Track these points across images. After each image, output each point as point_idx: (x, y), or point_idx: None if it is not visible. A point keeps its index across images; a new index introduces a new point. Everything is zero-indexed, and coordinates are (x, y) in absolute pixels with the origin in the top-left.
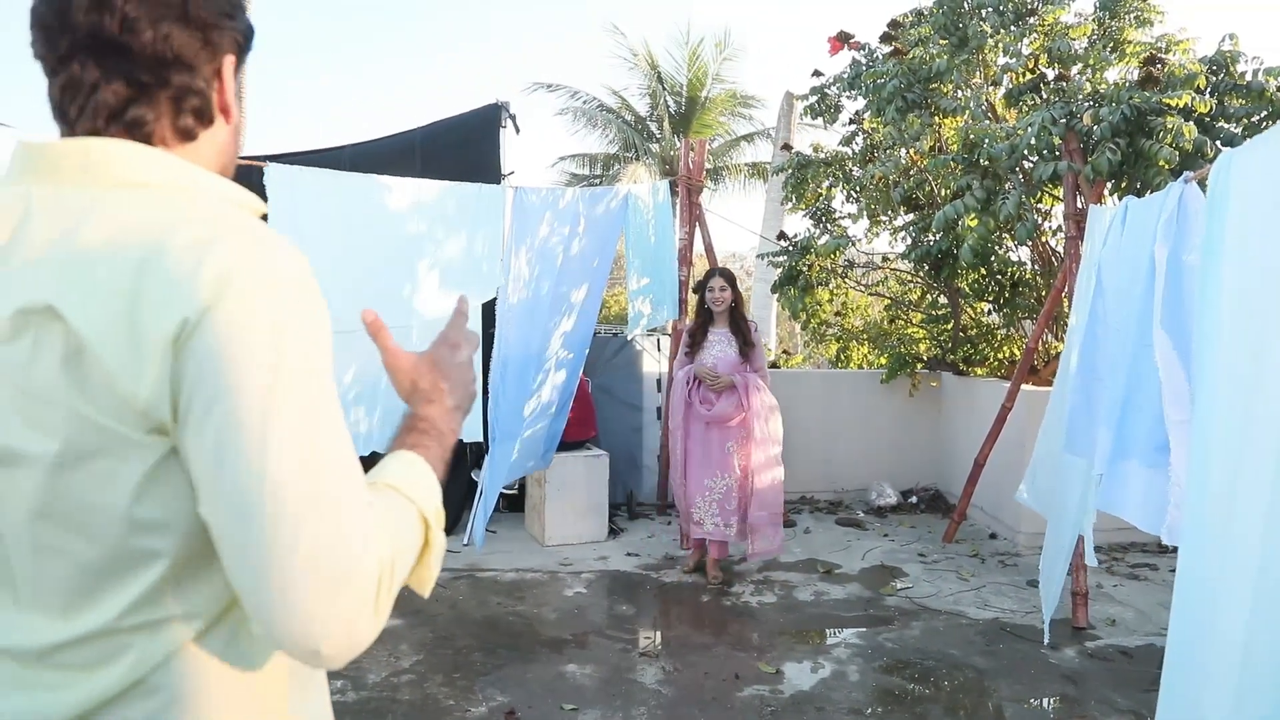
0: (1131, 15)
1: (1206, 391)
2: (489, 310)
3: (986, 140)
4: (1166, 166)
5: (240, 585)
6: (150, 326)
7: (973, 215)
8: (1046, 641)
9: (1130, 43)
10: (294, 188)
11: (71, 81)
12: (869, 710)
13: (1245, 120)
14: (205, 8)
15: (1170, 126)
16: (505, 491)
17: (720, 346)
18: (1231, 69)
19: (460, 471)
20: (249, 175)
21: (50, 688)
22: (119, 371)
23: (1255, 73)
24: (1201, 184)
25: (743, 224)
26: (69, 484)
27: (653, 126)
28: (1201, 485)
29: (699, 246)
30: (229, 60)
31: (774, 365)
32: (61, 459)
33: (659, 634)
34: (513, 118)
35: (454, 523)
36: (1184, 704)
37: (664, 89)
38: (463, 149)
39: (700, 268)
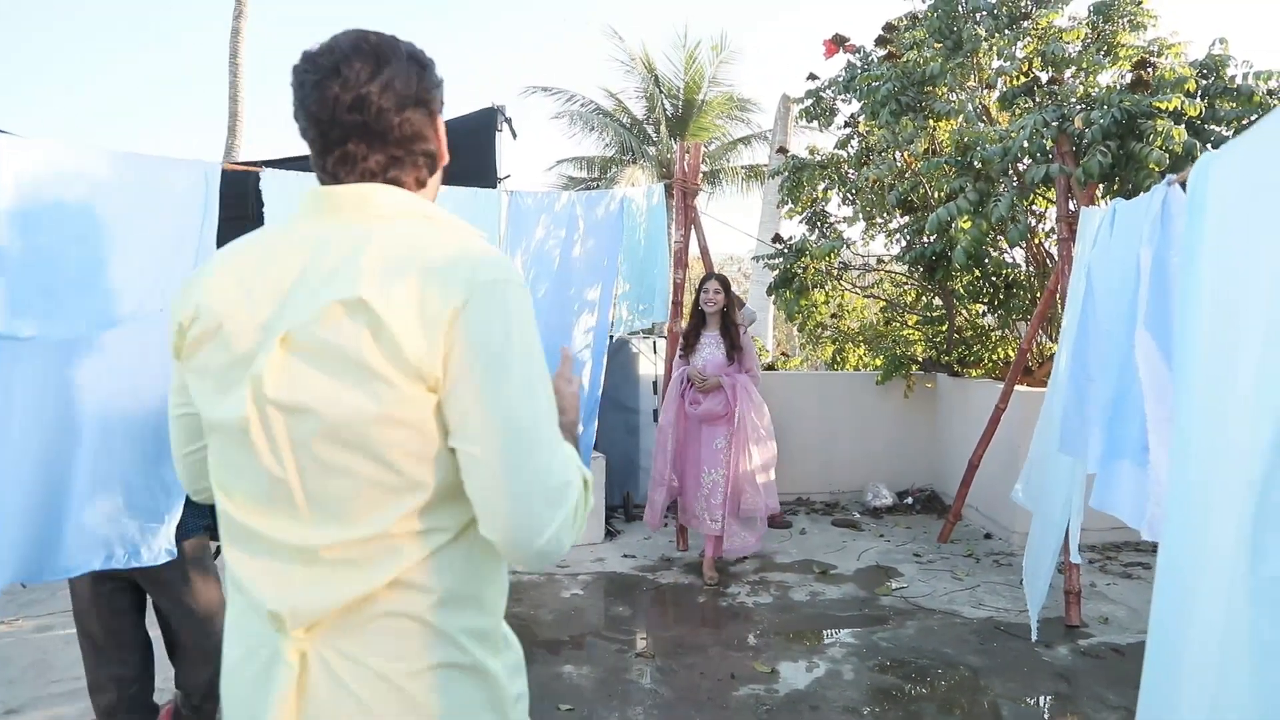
0: (1125, 19)
1: (1185, 390)
2: None
3: (980, 143)
4: (1157, 169)
5: (484, 498)
6: (432, 310)
7: (966, 217)
8: (1035, 639)
9: (1123, 46)
10: (290, 193)
11: (345, 156)
12: (863, 709)
13: (1236, 123)
14: (426, 89)
15: (1160, 129)
16: None
17: (710, 349)
18: (1222, 72)
19: None
20: (245, 181)
21: (330, 579)
22: (408, 341)
23: (1245, 76)
24: (1185, 186)
25: (738, 227)
26: (366, 423)
27: (650, 130)
28: (1180, 482)
29: (694, 249)
30: (439, 119)
31: (770, 367)
32: (362, 406)
33: (655, 635)
34: (509, 121)
35: None
36: (1163, 700)
37: (661, 92)
38: (458, 153)
39: (696, 270)
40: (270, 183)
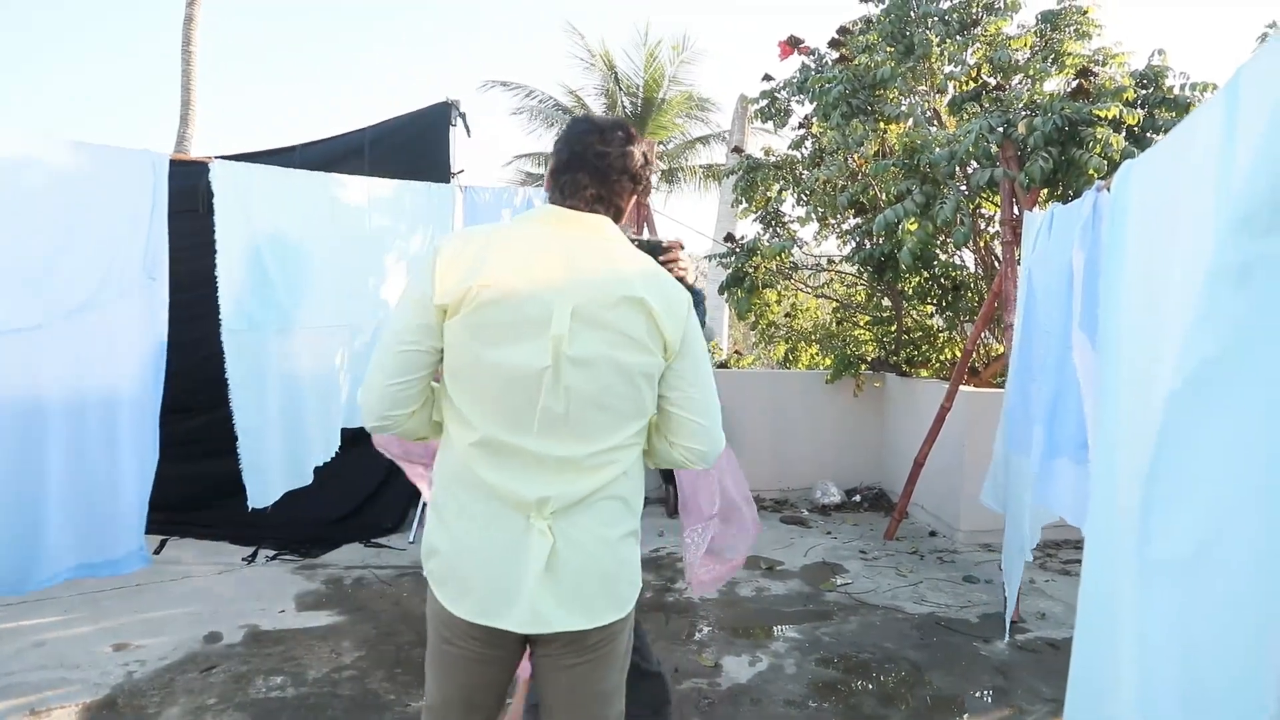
0: (1071, 28)
1: (1108, 386)
2: None
3: (927, 146)
4: (1096, 175)
5: (696, 419)
6: (676, 309)
7: (913, 219)
8: (1005, 640)
9: (1069, 55)
10: (242, 186)
11: (575, 181)
12: (804, 702)
13: None
14: (640, 173)
15: (1100, 137)
16: None
17: None
18: (1161, 83)
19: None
20: (195, 174)
21: (580, 478)
22: (667, 328)
23: (1183, 87)
24: None
25: (692, 225)
26: (634, 378)
27: None
28: (1102, 476)
29: None
30: (633, 198)
31: (723, 365)
32: (635, 367)
33: None
34: (462, 116)
35: (399, 520)
36: (1090, 693)
37: (621, 90)
38: (412, 148)
39: None
40: (220, 173)
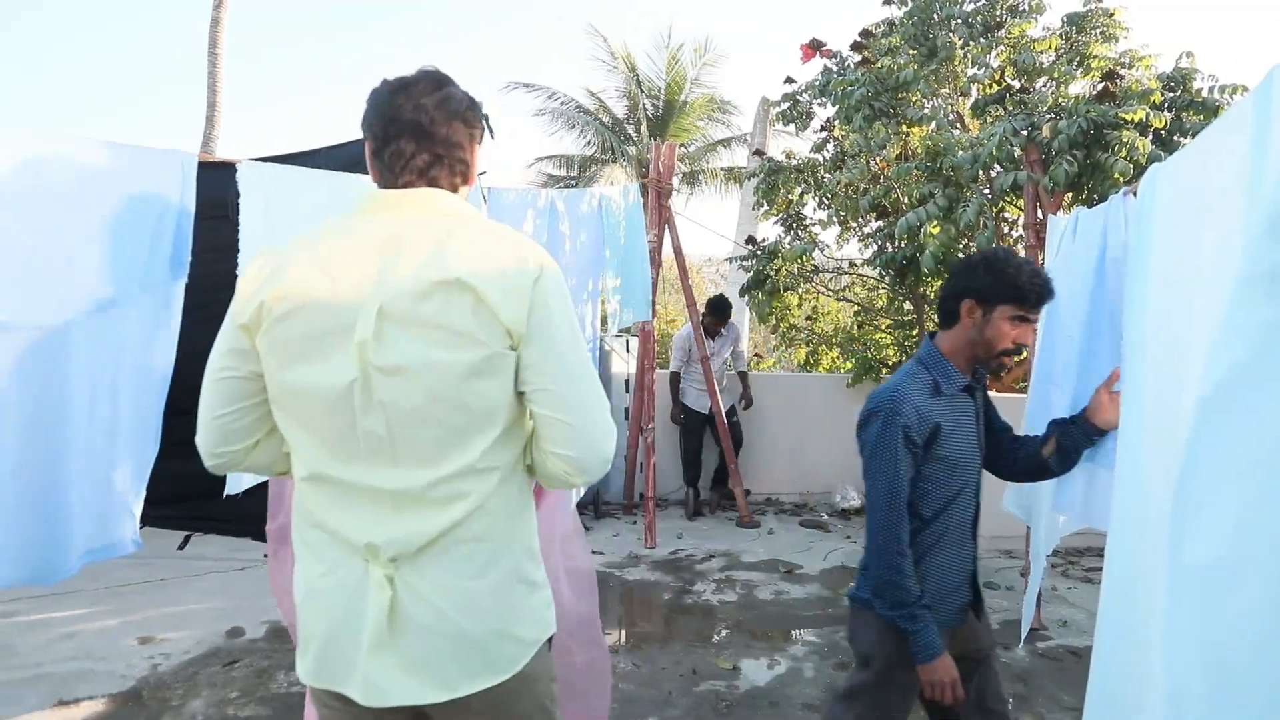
0: (1098, 30)
1: (1134, 394)
2: None
3: (950, 149)
4: (1121, 179)
5: (557, 419)
6: (518, 281)
7: (935, 223)
8: (1023, 645)
9: (1095, 57)
10: (267, 185)
11: (398, 152)
12: (823, 706)
13: None
14: (470, 116)
15: (1125, 140)
16: None
17: None
18: (1188, 85)
19: None
20: (224, 179)
21: (423, 515)
22: (503, 309)
23: (1211, 89)
24: None
25: (712, 228)
26: (467, 381)
27: (630, 129)
28: (1129, 485)
29: (667, 249)
30: (475, 147)
31: None
32: (463, 366)
33: (621, 630)
34: (486, 118)
35: None
36: (1111, 702)
37: (642, 92)
38: None
39: (669, 270)
40: (247, 174)
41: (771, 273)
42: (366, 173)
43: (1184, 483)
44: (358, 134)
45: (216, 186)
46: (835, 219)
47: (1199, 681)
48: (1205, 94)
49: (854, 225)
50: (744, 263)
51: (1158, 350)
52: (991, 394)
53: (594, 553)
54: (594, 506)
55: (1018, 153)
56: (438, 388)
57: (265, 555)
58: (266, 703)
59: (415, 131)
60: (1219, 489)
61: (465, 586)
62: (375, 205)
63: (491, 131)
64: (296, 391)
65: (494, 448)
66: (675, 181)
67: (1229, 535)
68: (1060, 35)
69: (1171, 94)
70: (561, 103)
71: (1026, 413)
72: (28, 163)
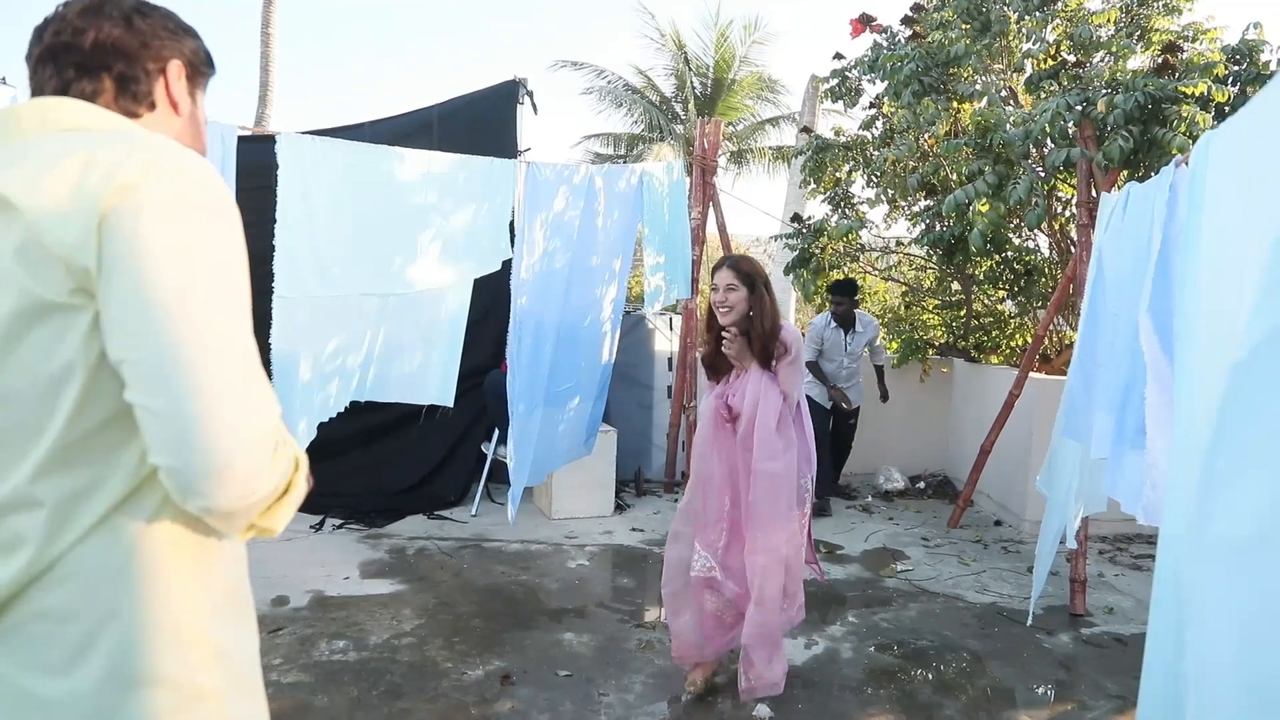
0: (1160, 3)
1: (1184, 372)
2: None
3: (1000, 125)
4: (1179, 155)
5: (140, 403)
6: (87, 194)
7: (984, 200)
8: (1029, 624)
9: (1156, 31)
10: (305, 158)
11: (38, 81)
12: (860, 687)
13: None
14: (147, 22)
15: (1185, 115)
16: (502, 460)
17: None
18: (1255, 58)
19: (469, 443)
20: (268, 150)
21: None
22: (62, 236)
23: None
24: None
25: (758, 206)
26: (18, 351)
27: (678, 108)
28: (1175, 461)
29: (712, 227)
30: (174, 65)
31: None
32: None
33: (657, 607)
34: (530, 94)
35: (462, 494)
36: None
37: (690, 70)
38: (479, 125)
39: (714, 248)
40: (285, 146)
41: (816, 251)
42: (409, 146)
43: (1214, 450)
44: (401, 108)
45: (260, 153)
46: (883, 197)
47: (1230, 660)
48: (1274, 66)
49: (902, 204)
50: (789, 241)
51: (1208, 322)
52: (1041, 375)
53: (633, 530)
54: (635, 484)
55: (1071, 128)
56: None
57: (311, 527)
58: (309, 670)
59: (54, 53)
60: (1251, 458)
61: (35, 690)
62: None
63: (535, 107)
64: None
65: (69, 465)
66: (722, 160)
67: (1261, 506)
68: (1120, 8)
69: (1237, 67)
70: (609, 81)
71: (1068, 392)
72: None
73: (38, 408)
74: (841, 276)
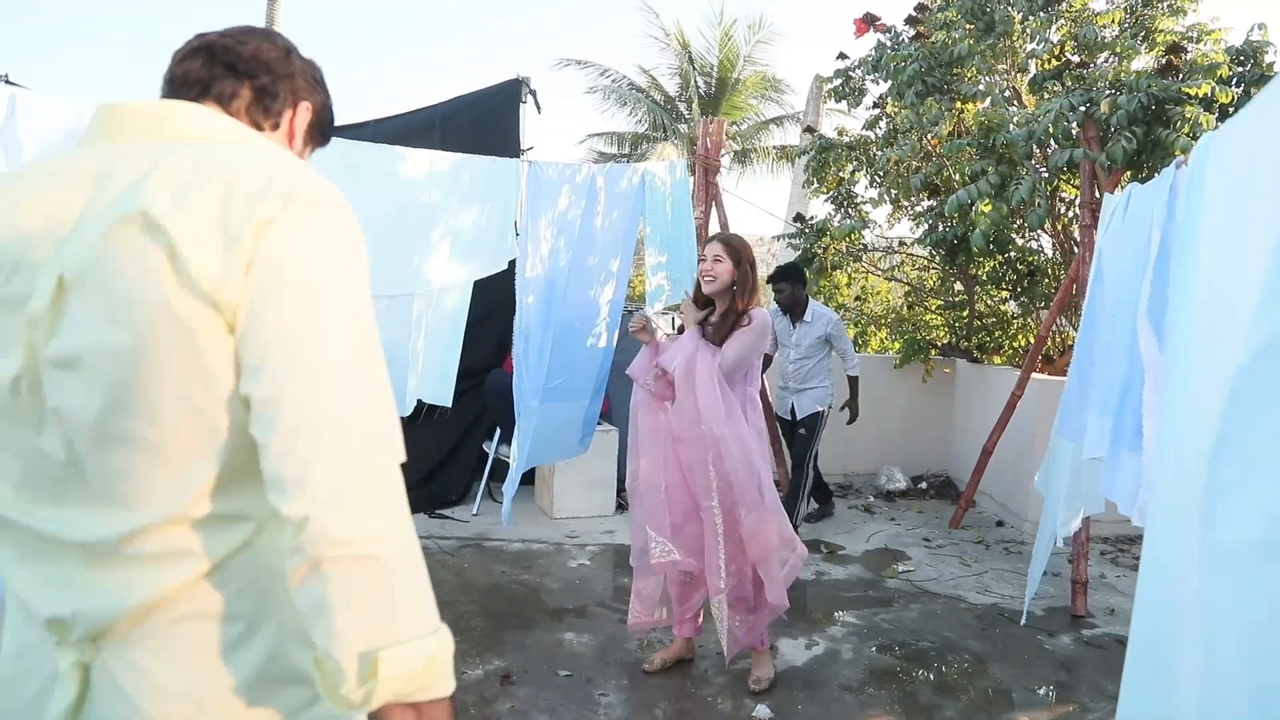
0: (1165, 4)
1: (1178, 372)
2: (504, 279)
3: (1003, 126)
4: (1181, 156)
5: (264, 439)
6: (234, 224)
7: (986, 201)
8: (1024, 623)
9: (1160, 31)
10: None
11: (183, 69)
12: (860, 688)
13: None
14: (302, 62)
15: (1189, 116)
16: (503, 460)
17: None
18: (1259, 59)
19: (471, 443)
20: None
21: (121, 579)
22: (207, 260)
23: None
24: None
25: (761, 206)
26: (146, 371)
27: (682, 107)
28: (1167, 463)
29: (714, 226)
30: (306, 105)
31: None
32: (142, 346)
33: (661, 608)
34: (533, 93)
35: (463, 493)
36: (1147, 688)
37: (694, 69)
38: (482, 124)
39: None
40: None
41: (819, 251)
42: (412, 145)
43: (1218, 457)
44: (404, 108)
45: None
46: (886, 197)
47: (1236, 667)
48: (1278, 68)
49: (905, 204)
50: (792, 241)
51: (1202, 324)
52: (1043, 376)
53: None
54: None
55: (1075, 129)
56: (127, 391)
57: None
58: None
59: (198, 55)
60: (1256, 463)
61: (175, 685)
62: (99, 126)
63: (539, 106)
64: None
65: (234, 481)
66: (726, 160)
67: (1267, 511)
68: (1124, 9)
69: (1241, 68)
70: (613, 80)
71: (1065, 391)
72: (75, 133)
73: (203, 433)
74: (845, 278)
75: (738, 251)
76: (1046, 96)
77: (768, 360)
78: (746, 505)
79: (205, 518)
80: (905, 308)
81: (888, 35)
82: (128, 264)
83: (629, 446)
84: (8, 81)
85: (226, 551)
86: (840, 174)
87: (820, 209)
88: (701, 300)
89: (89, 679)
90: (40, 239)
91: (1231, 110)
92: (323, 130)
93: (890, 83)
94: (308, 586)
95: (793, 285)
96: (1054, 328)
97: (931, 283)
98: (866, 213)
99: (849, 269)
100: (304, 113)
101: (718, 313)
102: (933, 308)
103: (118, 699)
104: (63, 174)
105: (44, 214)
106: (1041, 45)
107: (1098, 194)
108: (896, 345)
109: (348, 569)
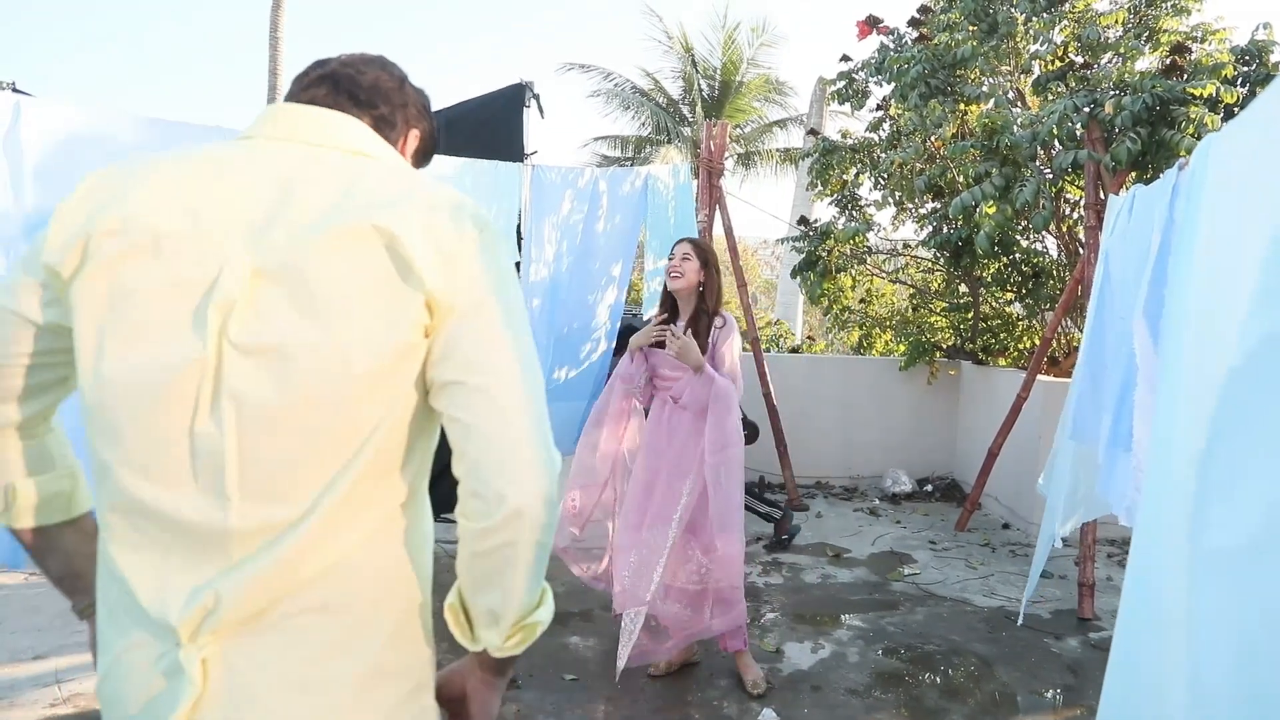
0: (1168, 4)
1: (1171, 374)
2: None
3: (1007, 128)
4: (1184, 157)
5: (491, 438)
6: (448, 242)
7: (990, 203)
8: (1020, 624)
9: (1165, 31)
10: None
11: (310, 95)
12: (866, 691)
13: None
14: (414, 91)
15: (1194, 116)
16: None
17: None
18: (1265, 59)
19: None
20: None
21: (251, 568)
22: (432, 269)
23: None
24: None
25: (765, 209)
26: (347, 368)
27: (685, 110)
28: (1157, 466)
29: (719, 229)
30: (416, 133)
31: (794, 350)
32: (352, 346)
33: None
34: (536, 97)
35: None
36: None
37: (698, 72)
38: (486, 130)
39: (720, 251)
40: None
41: (823, 254)
42: None
43: (1208, 458)
44: None
45: None
46: (890, 199)
47: (1224, 672)
48: None
49: (909, 206)
50: (795, 244)
51: (1197, 325)
52: (1049, 378)
53: None
54: None
55: (1079, 130)
56: (317, 384)
57: None
58: None
59: (330, 81)
60: (1247, 466)
61: (304, 676)
62: (270, 121)
63: (542, 111)
64: (118, 369)
65: (375, 477)
66: (729, 163)
67: (1259, 517)
68: (1128, 9)
69: (1246, 68)
70: (616, 84)
71: (1072, 394)
72: (77, 136)
73: (370, 431)
74: (849, 280)
75: (705, 253)
76: (1050, 98)
77: None
78: (727, 529)
79: (342, 512)
80: (910, 310)
81: (891, 37)
82: (356, 267)
83: (592, 414)
84: (15, 89)
85: (351, 547)
86: (844, 176)
87: (824, 212)
88: (666, 303)
89: (209, 673)
90: (219, 228)
91: (1236, 110)
92: (426, 154)
93: (893, 85)
94: (496, 556)
95: None
96: (1059, 330)
97: (936, 285)
98: (871, 215)
99: (853, 272)
100: (413, 140)
101: (685, 317)
102: (937, 310)
103: (238, 693)
104: (234, 165)
105: (221, 203)
106: (1045, 46)
107: (1102, 195)
108: (901, 348)
109: (532, 546)
